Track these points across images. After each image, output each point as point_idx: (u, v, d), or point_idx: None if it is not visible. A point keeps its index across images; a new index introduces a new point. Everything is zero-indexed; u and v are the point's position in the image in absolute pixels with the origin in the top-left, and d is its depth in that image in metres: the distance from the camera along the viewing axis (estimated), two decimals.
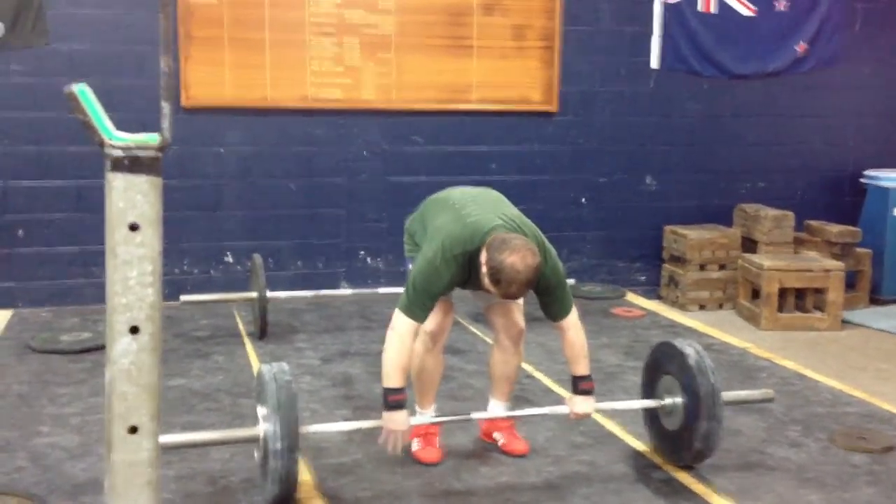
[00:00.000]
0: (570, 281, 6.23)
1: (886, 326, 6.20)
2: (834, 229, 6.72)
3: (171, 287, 6.02)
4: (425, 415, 3.64)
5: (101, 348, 4.66)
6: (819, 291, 6.27)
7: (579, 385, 3.43)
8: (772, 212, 6.74)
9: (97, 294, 5.85)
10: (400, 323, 3.24)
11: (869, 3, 7.19)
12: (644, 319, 6.04)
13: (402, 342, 3.24)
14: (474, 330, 5.49)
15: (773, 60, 7.01)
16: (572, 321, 3.39)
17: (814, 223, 6.95)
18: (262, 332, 5.29)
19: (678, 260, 6.77)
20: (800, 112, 7.20)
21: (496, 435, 3.71)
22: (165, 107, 1.86)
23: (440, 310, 3.43)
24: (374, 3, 6.27)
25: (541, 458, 3.64)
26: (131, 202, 1.85)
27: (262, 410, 3.14)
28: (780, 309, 6.21)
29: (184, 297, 5.41)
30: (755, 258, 6.41)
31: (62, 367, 4.75)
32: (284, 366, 3.23)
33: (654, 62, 6.81)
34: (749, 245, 6.79)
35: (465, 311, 5.67)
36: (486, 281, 3.13)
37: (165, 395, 4.18)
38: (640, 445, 3.77)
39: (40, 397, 4.28)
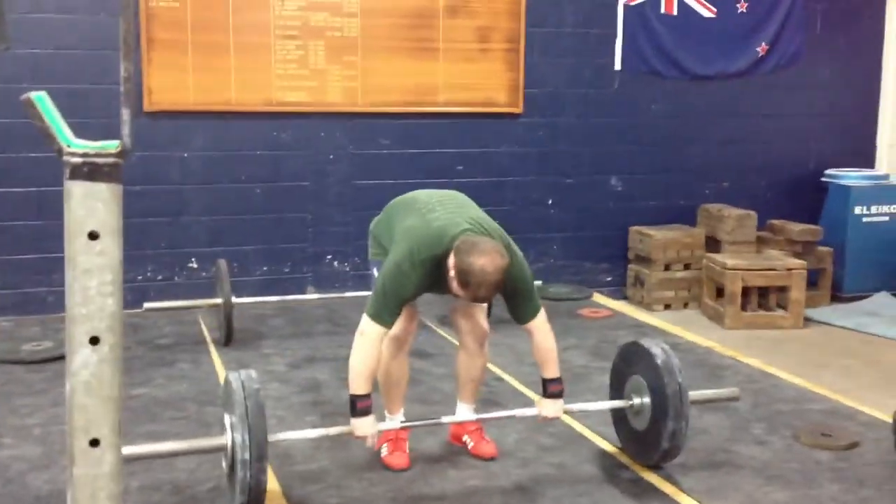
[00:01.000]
0: (538, 282, 6.24)
1: (848, 324, 6.28)
2: (796, 228, 6.79)
3: (135, 294, 5.96)
4: (394, 420, 3.63)
5: (62, 358, 4.57)
6: (782, 290, 6.34)
7: (548, 388, 3.44)
8: (735, 211, 6.81)
9: (59, 302, 5.75)
10: (368, 328, 3.23)
11: (829, 5, 7.29)
12: (611, 320, 6.07)
13: (370, 348, 3.22)
14: (442, 333, 5.48)
15: (734, 61, 7.09)
16: (540, 323, 3.40)
17: (776, 222, 7.02)
18: (227, 339, 5.25)
19: (644, 260, 6.81)
20: (761, 112, 7.28)
21: (465, 438, 3.71)
22: (126, 113, 1.83)
23: (405, 315, 3.41)
24: (340, 6, 6.24)
25: (510, 460, 3.64)
26: (91, 210, 1.82)
27: (229, 419, 3.11)
28: (744, 308, 6.27)
29: (147, 305, 5.34)
30: (719, 257, 6.46)
31: (23, 377, 4.68)
32: (252, 373, 3.20)
33: (618, 64, 6.86)
34: (713, 244, 6.85)
35: (433, 314, 5.66)
36: (455, 284, 3.12)
37: (129, 405, 4.13)
38: (608, 446, 3.79)
39: (1, 408, 4.20)
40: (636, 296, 6.87)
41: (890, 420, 3.69)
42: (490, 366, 4.84)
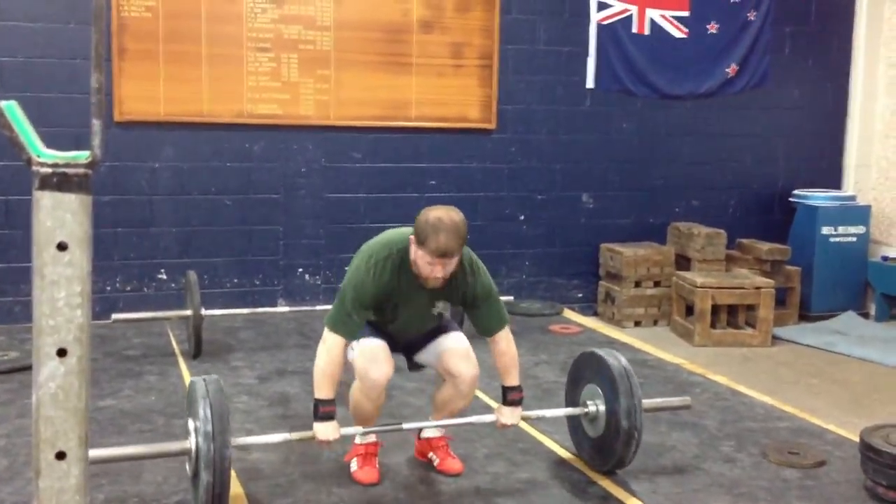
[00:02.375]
0: (508, 298, 6.31)
1: (816, 342, 6.34)
2: (764, 247, 6.87)
3: (103, 305, 5.90)
4: (364, 438, 3.60)
5: (28, 368, 4.52)
6: (750, 308, 6.39)
7: (509, 395, 3.50)
8: (704, 230, 6.87)
9: (26, 312, 5.70)
10: (328, 337, 3.28)
11: (797, 27, 7.39)
12: (581, 336, 6.09)
13: (331, 356, 3.26)
14: None
15: (704, 81, 7.17)
16: (506, 332, 3.46)
17: (745, 241, 7.09)
18: (196, 351, 5.20)
19: (614, 277, 6.85)
20: (731, 132, 7.36)
21: (430, 455, 3.70)
22: (96, 123, 1.81)
23: (383, 359, 3.40)
24: (313, 20, 6.25)
25: (479, 475, 3.64)
26: (60, 221, 1.80)
27: (192, 423, 3.10)
28: (713, 325, 6.32)
29: (115, 316, 5.29)
30: (688, 275, 6.51)
31: None
32: (216, 378, 3.23)
33: (590, 82, 6.92)
34: (683, 262, 6.91)
35: None
36: (417, 255, 3.16)
37: (96, 417, 4.09)
38: (578, 462, 3.79)
39: None
40: (607, 312, 6.90)
41: (857, 439, 3.73)
42: None
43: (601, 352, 3.67)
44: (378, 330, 3.47)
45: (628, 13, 6.90)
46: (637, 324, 6.78)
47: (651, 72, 7.02)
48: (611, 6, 6.86)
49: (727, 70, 7.21)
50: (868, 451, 3.46)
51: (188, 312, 5.19)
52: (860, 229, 7.17)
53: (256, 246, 6.38)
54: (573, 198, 7.05)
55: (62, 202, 1.80)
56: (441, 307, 3.44)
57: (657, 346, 5.98)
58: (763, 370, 5.68)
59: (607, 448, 3.56)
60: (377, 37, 6.38)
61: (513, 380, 3.47)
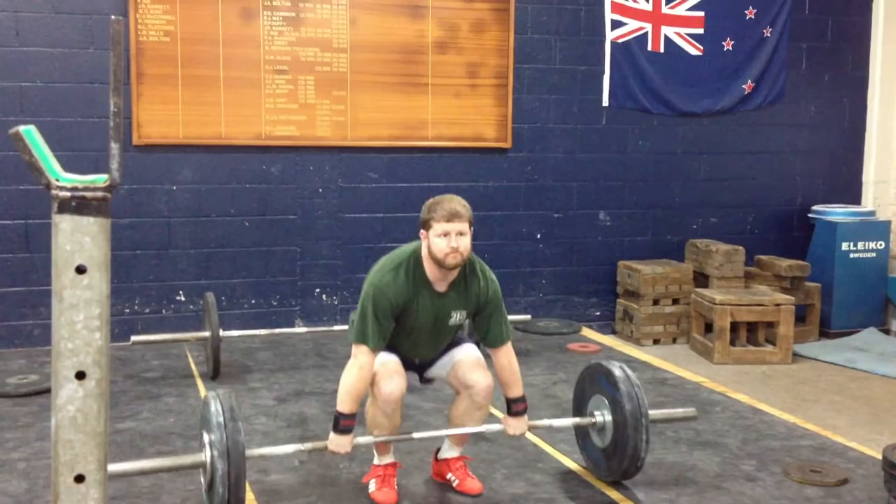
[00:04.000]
0: (526, 316, 6.30)
1: (836, 359, 6.29)
2: (783, 263, 6.82)
3: (122, 327, 5.93)
4: (382, 460, 3.59)
5: (48, 391, 4.55)
6: (770, 325, 6.35)
7: (514, 406, 3.54)
8: (723, 247, 6.84)
9: (45, 335, 5.74)
10: (356, 352, 3.29)
11: (814, 43, 7.38)
12: (599, 354, 6.05)
13: (359, 370, 3.28)
14: None
15: (720, 99, 7.16)
16: (510, 345, 3.52)
17: (764, 258, 7.05)
18: (214, 373, 5.21)
19: (632, 294, 6.82)
20: (748, 149, 7.34)
21: (449, 476, 3.67)
22: (115, 147, 1.82)
23: (398, 372, 3.42)
24: (329, 42, 6.29)
25: (499, 495, 3.61)
26: (78, 244, 1.81)
27: (207, 437, 3.12)
28: (733, 343, 6.28)
29: (134, 338, 5.31)
30: (707, 293, 6.48)
31: (8, 410, 4.63)
32: (230, 392, 3.27)
33: (606, 100, 6.92)
34: (701, 280, 6.87)
35: None
36: (430, 240, 3.28)
37: (115, 439, 4.10)
38: (598, 483, 3.76)
39: None
40: (625, 330, 6.87)
41: (879, 456, 3.68)
42: None
43: (608, 363, 3.73)
44: (393, 350, 3.47)
45: (643, 31, 6.91)
46: (656, 342, 6.74)
47: (667, 89, 7.02)
48: (626, 24, 6.87)
49: (743, 87, 7.19)
50: (891, 468, 3.42)
51: (206, 334, 5.21)
52: (880, 245, 7.11)
53: (274, 267, 6.40)
54: (590, 216, 7.04)
55: (81, 226, 1.81)
56: (457, 318, 3.45)
57: (676, 364, 5.94)
58: (784, 388, 5.64)
59: (615, 458, 3.59)
60: (393, 58, 6.41)
61: (517, 391, 3.52)
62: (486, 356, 3.58)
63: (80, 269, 1.81)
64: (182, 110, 6.05)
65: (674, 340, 6.79)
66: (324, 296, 6.52)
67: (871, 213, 7.32)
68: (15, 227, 5.87)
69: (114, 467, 2.99)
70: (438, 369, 3.60)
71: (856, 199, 7.62)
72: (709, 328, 6.46)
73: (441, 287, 3.37)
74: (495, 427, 3.60)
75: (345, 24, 6.30)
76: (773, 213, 7.48)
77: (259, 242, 6.36)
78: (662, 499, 3.58)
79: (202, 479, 3.19)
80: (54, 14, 5.80)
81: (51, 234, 1.81)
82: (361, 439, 3.41)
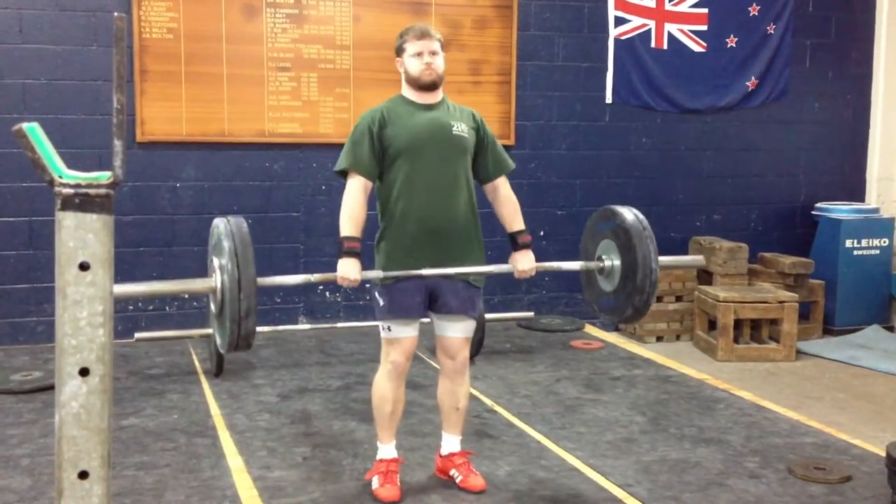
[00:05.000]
0: (529, 313, 6.30)
1: (840, 356, 6.28)
2: (787, 261, 6.81)
3: (126, 324, 5.94)
4: (384, 449, 3.60)
5: (51, 388, 4.56)
6: (774, 322, 6.34)
7: (519, 239, 3.63)
8: (726, 244, 6.83)
9: (49, 332, 5.75)
10: (347, 181, 3.50)
11: (818, 40, 7.36)
12: (602, 351, 6.06)
13: (353, 194, 3.48)
14: (434, 364, 5.47)
15: (724, 95, 7.15)
16: (506, 180, 3.66)
17: (767, 255, 7.04)
18: (218, 369, 5.22)
19: None
20: (752, 145, 7.33)
21: (453, 472, 3.68)
22: (118, 144, 1.82)
23: (405, 343, 3.47)
24: (332, 39, 6.29)
25: (502, 492, 3.62)
26: (81, 241, 1.81)
27: (217, 261, 3.13)
28: (736, 340, 6.27)
29: (138, 335, 5.33)
30: (711, 290, 6.47)
31: (12, 406, 4.64)
32: (240, 219, 3.27)
33: (609, 97, 6.91)
34: (705, 277, 6.86)
35: (425, 345, 5.65)
36: (406, 61, 3.51)
37: (119, 436, 4.11)
38: (601, 479, 3.77)
39: None
40: (628, 328, 6.86)
41: (883, 454, 3.68)
42: (482, 397, 4.84)
43: (619, 208, 3.76)
44: (405, 219, 3.47)
45: (647, 28, 6.90)
46: (659, 339, 6.73)
47: (670, 86, 7.01)
48: (629, 21, 6.86)
49: (747, 83, 7.18)
50: (895, 465, 3.42)
51: (210, 331, 5.21)
52: (884, 242, 7.10)
53: (277, 264, 6.39)
54: (593, 213, 7.01)
55: (84, 222, 1.81)
56: (460, 129, 3.51)
57: (680, 361, 5.94)
58: (787, 385, 5.63)
59: (622, 300, 3.64)
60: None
61: (519, 224, 3.62)
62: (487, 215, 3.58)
63: (84, 266, 1.81)
64: (185, 107, 6.05)
65: (677, 337, 6.78)
66: (327, 293, 6.52)
67: (875, 211, 7.31)
68: (19, 224, 5.88)
69: (123, 288, 2.92)
70: (438, 319, 3.56)
71: (859, 196, 7.61)
72: (712, 325, 6.45)
73: (429, 102, 3.54)
74: (505, 267, 3.61)
75: (348, 22, 6.30)
76: (777, 211, 7.47)
77: (262, 240, 6.35)
78: (665, 496, 3.58)
79: (211, 305, 3.18)
80: (58, 11, 5.81)
81: (54, 230, 1.81)
82: (369, 273, 3.39)
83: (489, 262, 3.66)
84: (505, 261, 3.68)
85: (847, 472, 3.84)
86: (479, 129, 3.60)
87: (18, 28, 5.75)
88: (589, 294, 3.92)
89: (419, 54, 3.48)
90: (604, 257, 3.74)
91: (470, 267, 3.49)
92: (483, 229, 3.65)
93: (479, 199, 3.63)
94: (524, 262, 3.60)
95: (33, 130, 1.81)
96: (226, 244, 3.05)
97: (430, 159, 3.45)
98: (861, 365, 6.09)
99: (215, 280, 3.10)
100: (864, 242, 7.05)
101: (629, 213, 3.69)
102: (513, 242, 3.62)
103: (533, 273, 3.63)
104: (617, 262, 3.66)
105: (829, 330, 6.97)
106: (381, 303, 3.46)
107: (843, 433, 4.45)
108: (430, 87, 3.51)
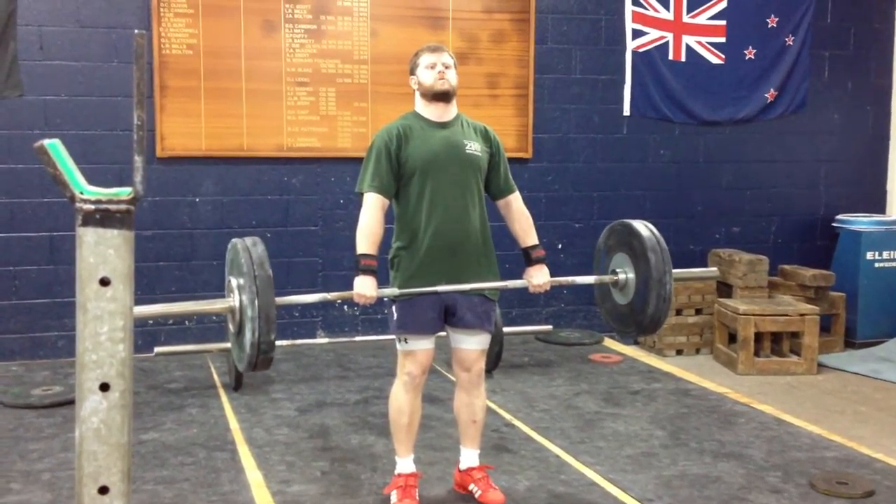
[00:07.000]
0: (548, 326, 6.28)
1: (862, 370, 6.22)
2: (808, 273, 6.76)
3: (145, 338, 5.96)
4: (403, 463, 3.60)
5: (72, 402, 4.58)
6: (794, 335, 6.29)
7: (533, 253, 3.63)
8: (746, 256, 6.79)
9: (70, 347, 5.77)
10: (364, 200, 3.49)
11: (836, 51, 7.33)
12: (621, 365, 6.03)
13: (370, 212, 3.47)
14: (451, 377, 5.45)
15: (742, 107, 7.13)
16: (518, 195, 3.69)
17: (787, 267, 7.00)
18: (237, 383, 5.23)
19: None
20: (771, 157, 7.30)
21: (471, 486, 3.66)
22: (138, 160, 1.84)
23: (421, 354, 3.48)
24: (350, 54, 6.32)
25: None
26: (102, 257, 1.82)
27: (235, 282, 3.13)
28: (757, 353, 6.23)
29: (158, 349, 5.35)
30: (731, 302, 6.43)
31: (33, 421, 4.66)
32: (258, 240, 3.32)
33: (627, 109, 6.90)
34: (724, 290, 6.82)
35: (442, 358, 5.64)
36: (420, 78, 3.53)
37: (138, 450, 4.12)
38: (621, 494, 3.74)
39: (10, 453, 4.19)
40: (647, 341, 6.83)
41: None
42: (501, 411, 4.82)
43: (633, 222, 3.77)
44: (417, 235, 3.48)
45: (664, 40, 6.90)
46: (679, 352, 6.69)
47: (688, 98, 6.99)
48: (647, 34, 6.86)
49: (766, 95, 7.16)
50: None
51: (228, 345, 5.22)
52: None
53: (295, 278, 6.42)
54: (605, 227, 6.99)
55: (105, 238, 1.82)
56: (473, 148, 3.53)
57: (700, 374, 5.90)
58: (809, 398, 5.58)
59: (637, 313, 3.63)
60: None
61: (533, 239, 3.63)
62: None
63: (104, 282, 1.82)
64: (205, 122, 6.09)
65: (697, 351, 6.74)
66: (345, 307, 6.53)
67: None
68: (40, 240, 5.93)
69: (142, 310, 2.95)
70: (453, 331, 3.56)
71: (880, 208, 7.55)
72: (732, 338, 6.41)
73: (443, 119, 3.55)
74: (519, 282, 3.61)
75: (366, 36, 6.33)
76: (797, 223, 7.43)
77: (280, 254, 6.38)
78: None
79: (230, 325, 3.19)
80: (78, 28, 5.87)
81: (75, 246, 1.82)
82: (385, 290, 3.43)
83: (507, 275, 3.67)
84: (521, 274, 3.67)
85: (870, 486, 3.80)
86: (492, 146, 3.62)
87: (39, 45, 5.80)
88: (604, 308, 3.91)
89: (432, 66, 3.51)
90: (618, 271, 3.74)
91: (485, 282, 3.50)
92: (499, 242, 3.65)
93: (491, 213, 3.64)
94: (538, 277, 3.61)
95: (55, 147, 1.82)
96: (244, 267, 3.07)
97: (444, 177, 3.48)
98: (883, 378, 6.04)
99: (233, 300, 3.11)
100: (885, 255, 6.99)
101: (642, 227, 3.69)
102: (526, 257, 3.63)
103: (547, 288, 3.64)
104: (631, 275, 3.67)
105: (850, 343, 6.91)
106: (397, 318, 3.47)
107: (865, 447, 4.40)
108: (443, 96, 3.52)
